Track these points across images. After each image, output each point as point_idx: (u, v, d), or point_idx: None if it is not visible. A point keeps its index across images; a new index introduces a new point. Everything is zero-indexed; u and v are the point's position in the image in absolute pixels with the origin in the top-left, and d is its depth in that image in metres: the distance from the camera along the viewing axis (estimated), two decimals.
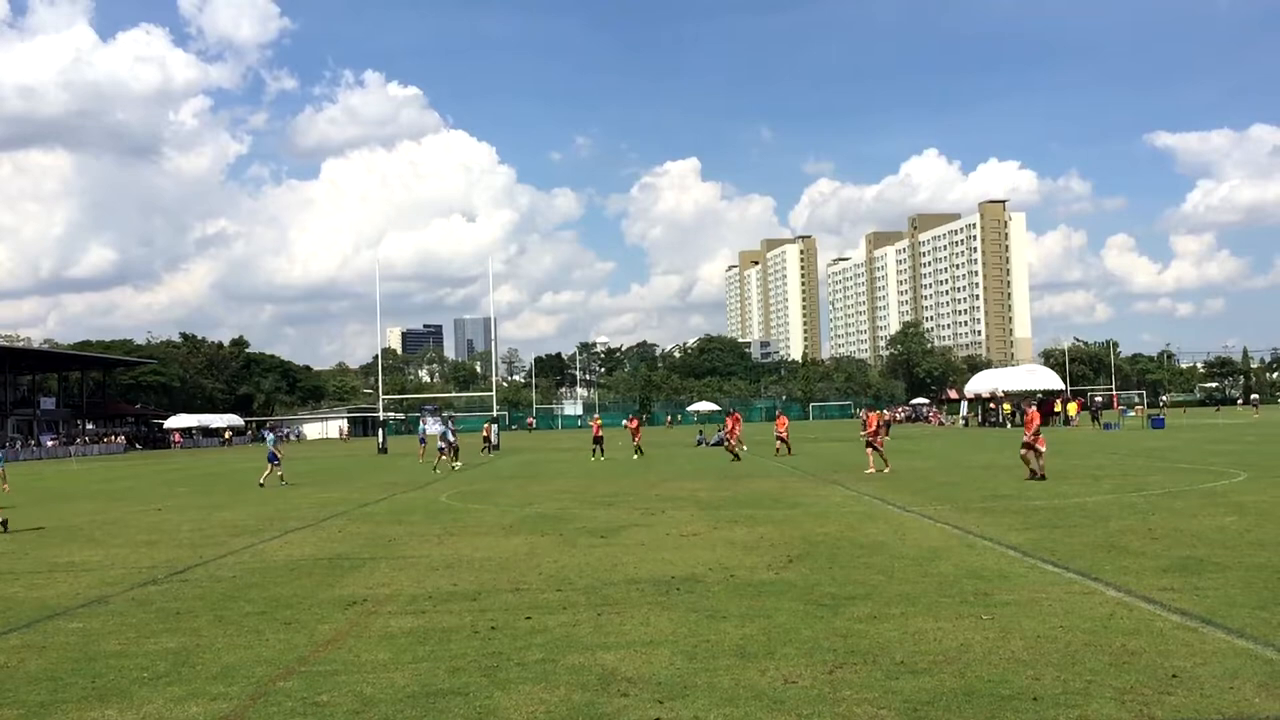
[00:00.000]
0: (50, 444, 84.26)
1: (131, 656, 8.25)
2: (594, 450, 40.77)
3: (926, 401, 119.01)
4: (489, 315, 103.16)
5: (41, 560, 14.69)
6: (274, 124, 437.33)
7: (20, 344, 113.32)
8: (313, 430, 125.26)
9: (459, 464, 36.76)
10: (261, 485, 28.79)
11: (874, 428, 27.54)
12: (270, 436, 33.11)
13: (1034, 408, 24.23)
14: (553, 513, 19.17)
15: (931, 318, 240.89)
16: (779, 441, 38.98)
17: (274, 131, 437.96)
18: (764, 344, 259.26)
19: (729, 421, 39.99)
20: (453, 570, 12.35)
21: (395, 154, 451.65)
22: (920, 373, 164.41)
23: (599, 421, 45.94)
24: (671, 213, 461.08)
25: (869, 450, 27.13)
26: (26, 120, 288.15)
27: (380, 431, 63.76)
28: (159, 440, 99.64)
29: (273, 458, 29.85)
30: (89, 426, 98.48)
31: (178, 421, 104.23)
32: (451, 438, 37.40)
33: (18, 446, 78.78)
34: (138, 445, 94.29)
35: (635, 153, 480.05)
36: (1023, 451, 22.58)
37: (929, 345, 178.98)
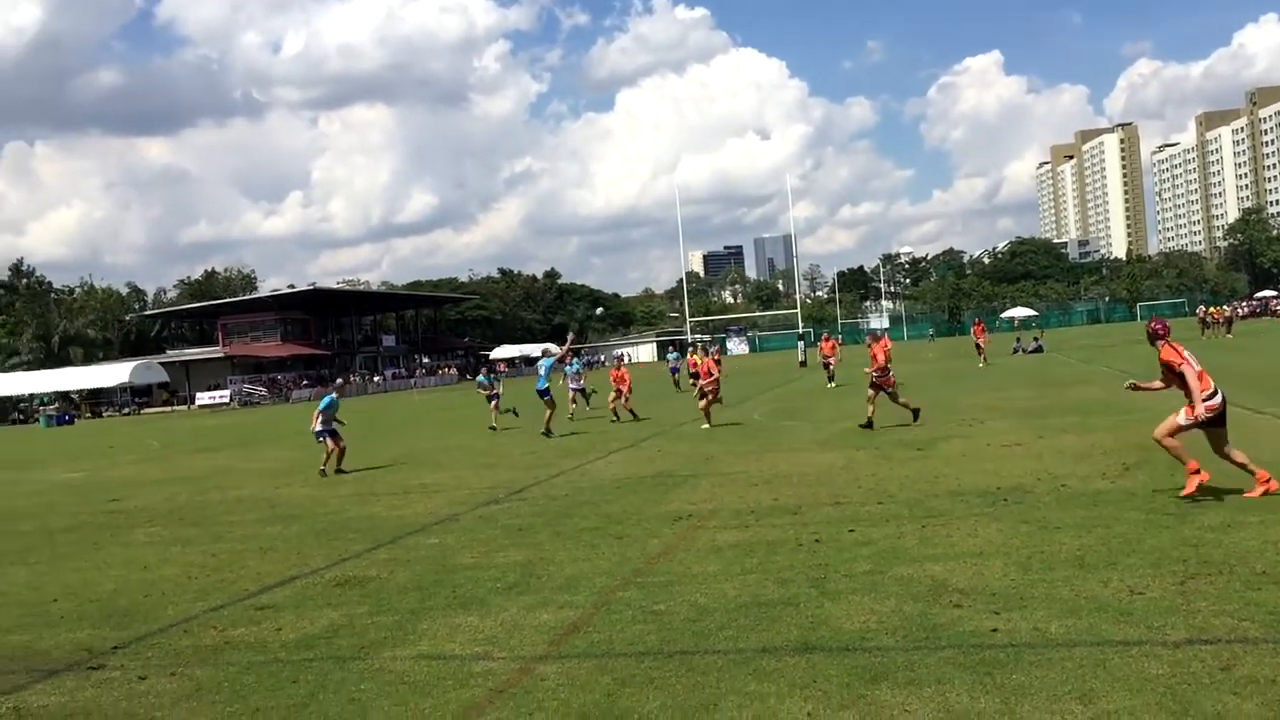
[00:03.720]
0: (392, 378, 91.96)
1: (484, 569, 8.93)
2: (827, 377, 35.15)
3: (1275, 294, 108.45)
4: (788, 232, 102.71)
5: (398, 483, 16.11)
6: (569, 60, 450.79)
7: (361, 287, 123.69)
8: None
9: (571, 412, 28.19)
10: (493, 429, 25.89)
11: (882, 362, 18.84)
12: (486, 378, 28.68)
13: None
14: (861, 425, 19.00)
15: (1276, 202, 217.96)
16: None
17: (569, 67, 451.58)
18: (1082, 243, 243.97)
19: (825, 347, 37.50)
20: (772, 485, 12.52)
21: (686, 78, 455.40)
22: (1265, 263, 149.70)
23: (834, 342, 38.58)
24: (973, 112, 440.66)
25: (871, 393, 18.70)
26: (348, 78, 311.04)
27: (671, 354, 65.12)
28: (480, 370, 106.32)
29: (493, 398, 27.10)
30: (424, 360, 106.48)
31: (502, 352, 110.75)
32: (575, 383, 29.27)
33: (365, 380, 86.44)
34: (468, 376, 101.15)
35: (931, 52, 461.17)
36: None
37: (1275, 232, 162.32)
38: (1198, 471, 9.29)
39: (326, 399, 18.84)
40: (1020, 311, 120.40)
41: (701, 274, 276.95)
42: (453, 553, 9.81)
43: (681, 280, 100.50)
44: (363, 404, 54.61)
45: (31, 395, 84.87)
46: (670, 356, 46.70)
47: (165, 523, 13.69)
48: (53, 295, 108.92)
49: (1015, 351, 49.10)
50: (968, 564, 7.66)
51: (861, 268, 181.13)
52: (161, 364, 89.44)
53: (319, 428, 18.44)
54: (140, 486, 19.13)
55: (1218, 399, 9.32)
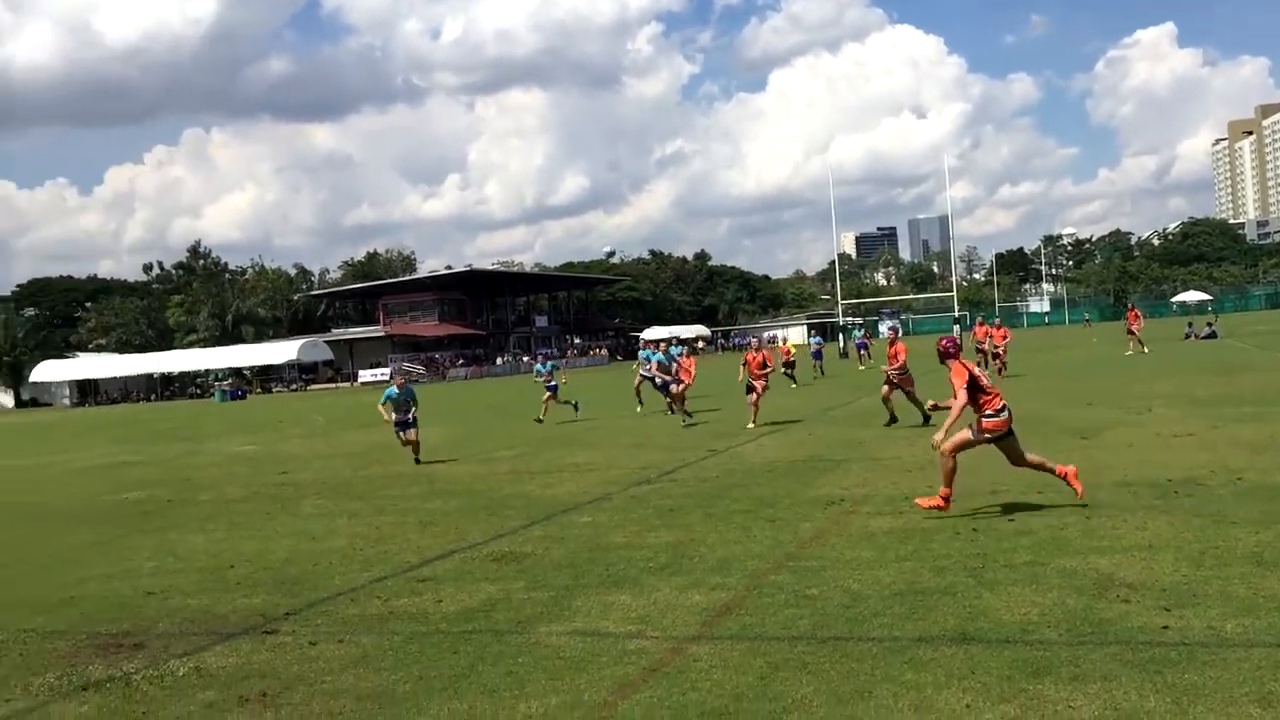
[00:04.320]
0: (544, 358, 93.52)
1: (636, 548, 9.02)
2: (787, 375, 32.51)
3: None
4: (944, 213, 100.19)
5: (551, 461, 16.40)
6: (721, 40, 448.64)
7: (515, 268, 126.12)
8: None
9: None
10: (539, 421, 24.15)
11: (903, 360, 18.56)
12: (545, 366, 26.28)
13: None
14: (1027, 413, 18.44)
15: None
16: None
17: (721, 48, 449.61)
18: (1261, 224, 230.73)
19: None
20: (926, 472, 12.27)
21: (840, 56, 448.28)
22: None
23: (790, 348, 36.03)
24: (1144, 87, 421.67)
25: (885, 389, 18.59)
26: (504, 63, 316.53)
27: (841, 337, 64.48)
28: (634, 352, 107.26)
29: (551, 388, 24.93)
30: (576, 340, 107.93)
31: (651, 334, 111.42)
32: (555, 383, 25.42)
33: (517, 359, 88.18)
34: (618, 356, 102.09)
35: (1099, 26, 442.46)
36: None
37: None
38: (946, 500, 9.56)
39: (386, 392, 17.74)
40: (1193, 295, 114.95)
41: (853, 256, 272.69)
42: (605, 531, 9.94)
43: (834, 262, 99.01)
44: (514, 383, 55.75)
45: (207, 371, 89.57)
46: (813, 341, 45.71)
47: (331, 495, 14.26)
48: (227, 276, 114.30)
49: (1187, 337, 46.87)
50: (1136, 558, 7.37)
51: (1021, 249, 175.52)
52: (327, 342, 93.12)
53: (392, 420, 17.46)
54: (307, 460, 19.97)
55: (1004, 415, 9.54)
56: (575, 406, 25.48)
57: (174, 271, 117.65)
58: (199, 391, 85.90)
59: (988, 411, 9.53)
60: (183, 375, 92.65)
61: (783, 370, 32.63)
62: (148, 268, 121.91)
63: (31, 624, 7.79)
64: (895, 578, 7.29)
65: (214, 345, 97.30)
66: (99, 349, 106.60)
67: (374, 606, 7.62)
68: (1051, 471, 9.67)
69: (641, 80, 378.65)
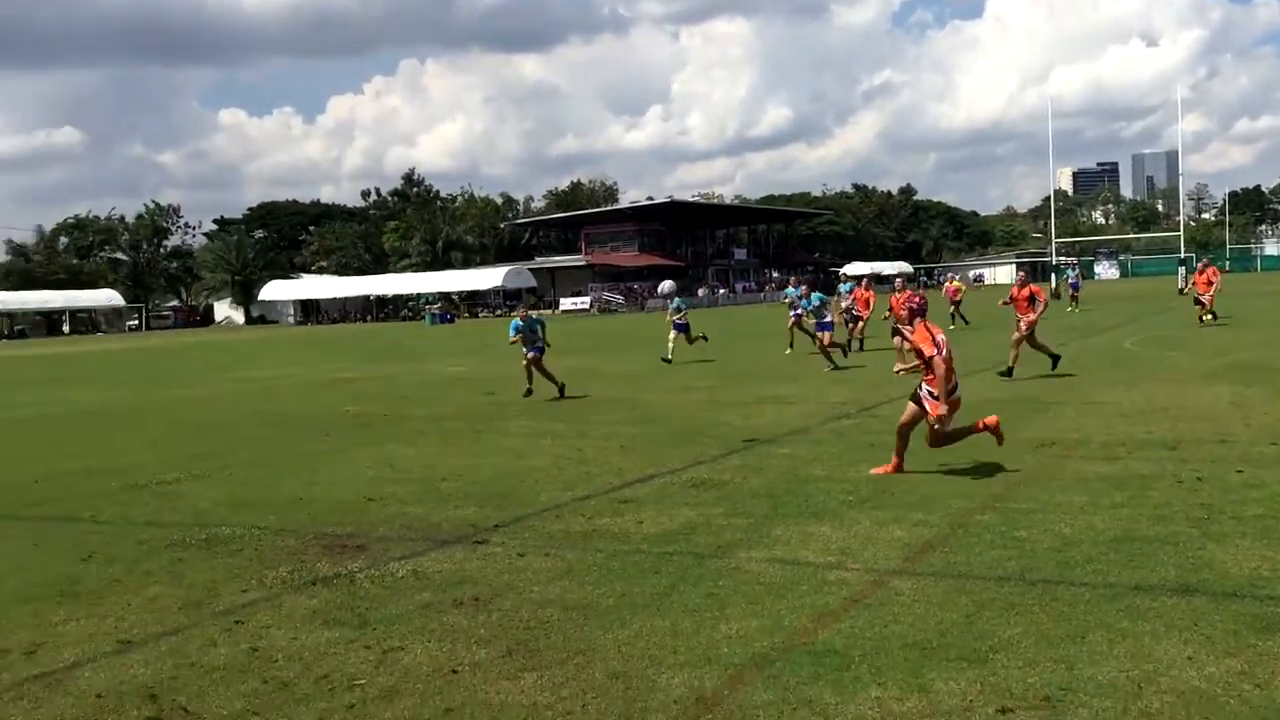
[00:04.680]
0: (743, 291, 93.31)
1: (835, 481, 8.96)
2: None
3: None
4: (1172, 148, 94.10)
5: (749, 393, 16.41)
6: None
7: (715, 201, 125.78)
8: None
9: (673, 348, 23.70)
10: (667, 360, 22.62)
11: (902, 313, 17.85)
12: (677, 303, 24.89)
13: None
14: (1257, 361, 17.31)
15: None
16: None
17: None
18: None
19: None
20: (1145, 417, 11.70)
21: None
22: None
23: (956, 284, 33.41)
24: None
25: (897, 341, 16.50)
26: None
27: (1053, 277, 61.77)
28: (831, 288, 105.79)
29: (680, 327, 23.76)
30: (774, 274, 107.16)
31: (852, 269, 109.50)
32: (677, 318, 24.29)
33: (714, 292, 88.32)
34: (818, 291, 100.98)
35: None
36: None
37: None
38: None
39: (512, 324, 17.39)
40: None
41: (1070, 192, 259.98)
42: (804, 464, 9.90)
43: (1048, 199, 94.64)
44: (712, 316, 55.90)
45: (418, 295, 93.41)
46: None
47: (534, 417, 14.70)
48: (438, 203, 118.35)
49: None
50: None
51: (1258, 188, 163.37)
52: (530, 270, 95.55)
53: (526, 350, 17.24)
54: (512, 382, 20.60)
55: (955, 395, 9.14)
56: (704, 338, 24.77)
57: (390, 198, 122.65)
58: (410, 314, 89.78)
59: (932, 389, 9.01)
60: (395, 298, 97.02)
61: (950, 311, 31.33)
62: (365, 194, 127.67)
63: (265, 522, 8.37)
64: (1110, 524, 6.99)
65: (425, 270, 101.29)
66: (320, 271, 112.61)
67: (577, 524, 7.84)
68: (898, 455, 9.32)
69: (850, 8, 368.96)
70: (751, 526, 7.47)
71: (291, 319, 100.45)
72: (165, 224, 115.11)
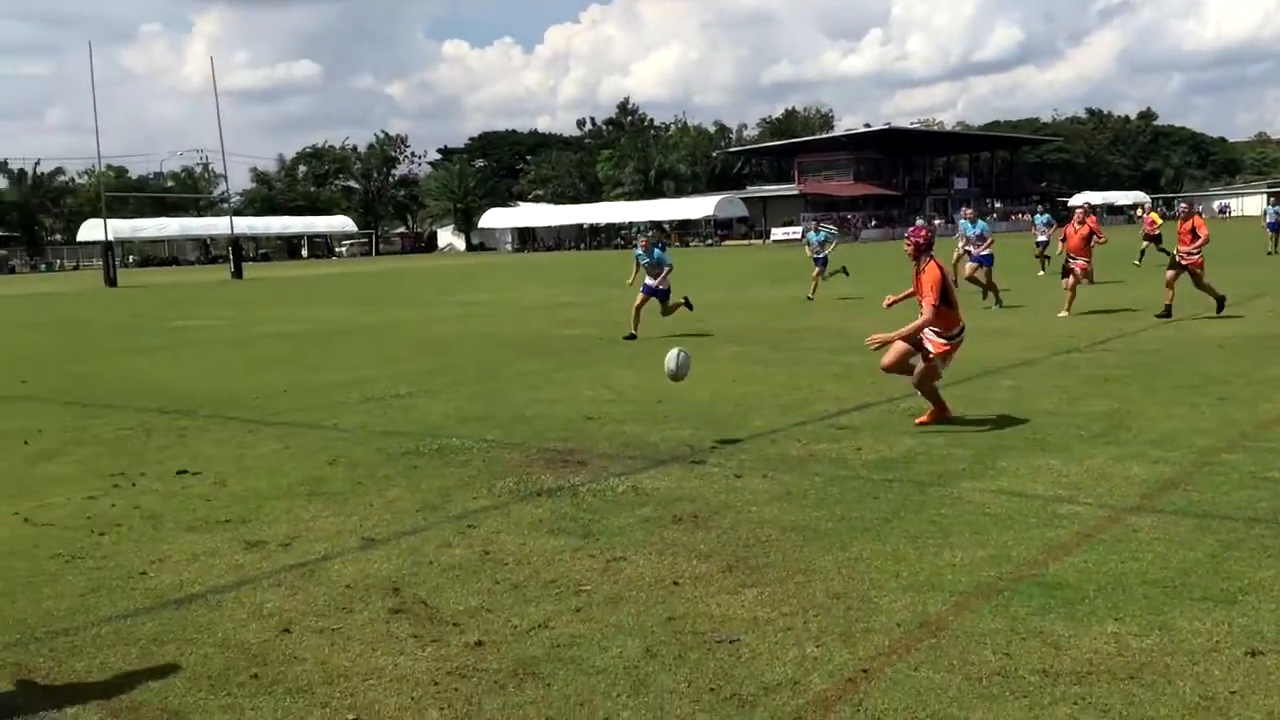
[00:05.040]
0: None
1: (1065, 415, 8.60)
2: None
3: None
4: None
5: (968, 325, 15.85)
6: None
7: (935, 128, 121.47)
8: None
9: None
10: (810, 299, 21.57)
11: (1077, 244, 17.00)
12: (819, 235, 23.17)
13: None
14: None
15: None
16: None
17: None
18: None
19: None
20: None
21: None
22: None
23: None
24: None
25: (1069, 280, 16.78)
26: None
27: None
28: (1063, 218, 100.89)
29: (820, 261, 22.37)
30: (997, 205, 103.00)
31: (1082, 199, 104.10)
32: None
33: (933, 224, 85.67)
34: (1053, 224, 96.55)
35: None
36: None
37: None
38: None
39: (635, 255, 16.89)
40: None
41: None
42: (1030, 397, 9.54)
43: None
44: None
45: (629, 223, 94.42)
46: (1270, 211, 36.25)
47: (746, 344, 14.69)
48: (652, 132, 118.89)
49: None
50: None
51: None
52: (742, 199, 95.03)
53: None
54: (723, 310, 20.67)
55: (960, 337, 8.62)
56: (845, 271, 23.69)
57: (604, 127, 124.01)
58: (622, 243, 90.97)
59: (948, 331, 8.40)
60: (608, 227, 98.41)
61: (1144, 246, 28.93)
62: (580, 123, 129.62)
63: (491, 435, 8.71)
64: None
65: (637, 199, 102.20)
66: (536, 199, 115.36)
67: (794, 448, 7.82)
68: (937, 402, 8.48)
69: None
70: (975, 458, 7.27)
71: (509, 246, 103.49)
72: (393, 153, 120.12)
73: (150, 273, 72.36)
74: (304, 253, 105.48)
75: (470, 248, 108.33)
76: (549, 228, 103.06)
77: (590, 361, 13.49)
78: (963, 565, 5.06)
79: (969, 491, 6.39)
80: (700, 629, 4.42)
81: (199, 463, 8.02)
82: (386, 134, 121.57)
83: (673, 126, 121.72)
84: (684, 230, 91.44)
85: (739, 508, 6.24)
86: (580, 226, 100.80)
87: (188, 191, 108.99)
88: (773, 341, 14.87)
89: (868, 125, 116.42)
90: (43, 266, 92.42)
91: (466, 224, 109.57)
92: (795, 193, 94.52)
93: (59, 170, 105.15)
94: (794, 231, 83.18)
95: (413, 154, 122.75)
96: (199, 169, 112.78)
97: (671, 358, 8.68)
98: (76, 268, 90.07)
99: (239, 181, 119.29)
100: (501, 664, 4.15)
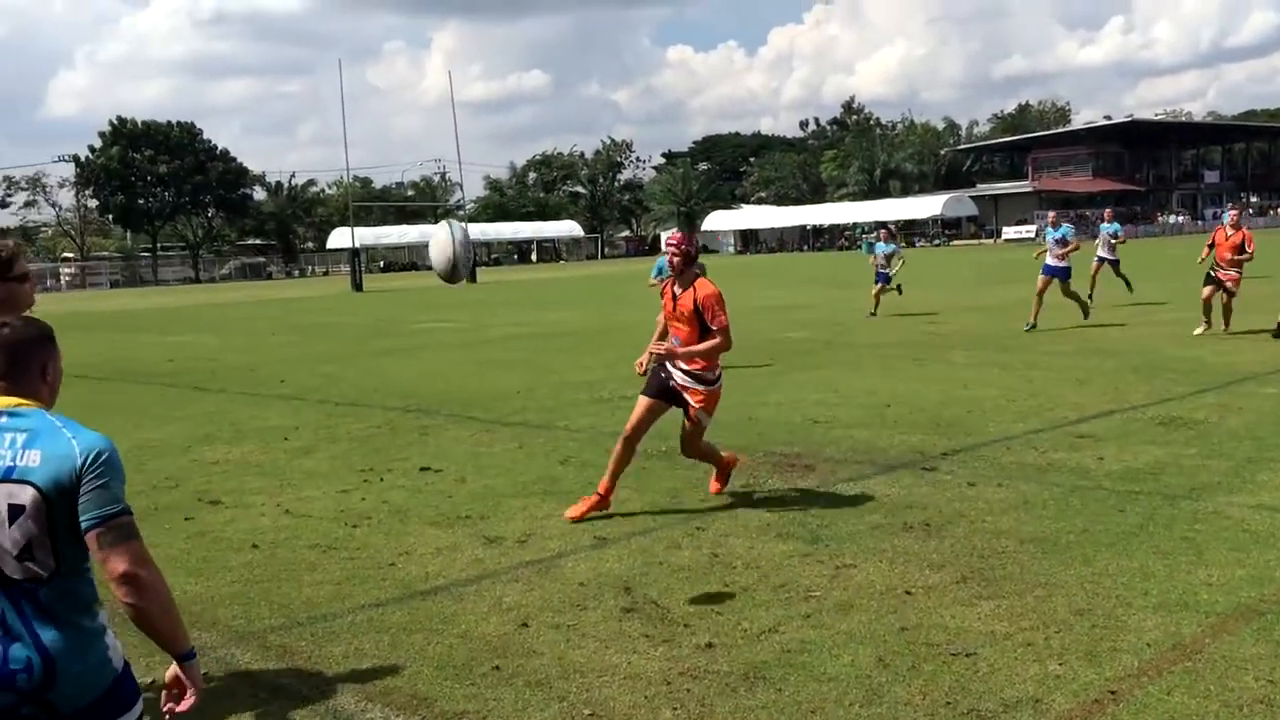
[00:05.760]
0: (1213, 218, 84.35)
1: None
2: None
3: None
4: None
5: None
6: None
7: (1183, 119, 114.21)
8: None
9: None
10: (873, 315, 19.82)
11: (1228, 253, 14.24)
12: (882, 247, 21.20)
13: None
14: None
15: None
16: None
17: None
18: None
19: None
20: None
21: None
22: None
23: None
24: None
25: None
26: None
27: None
28: None
29: (882, 278, 20.44)
30: (1253, 199, 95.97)
31: None
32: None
33: (1174, 220, 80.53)
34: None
35: None
36: None
37: None
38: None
39: (657, 264, 13.88)
40: None
41: None
42: None
43: None
44: (1177, 243, 51.17)
45: (854, 224, 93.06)
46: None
47: (978, 347, 14.25)
48: (877, 131, 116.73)
49: None
50: None
51: None
52: (971, 198, 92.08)
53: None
54: (954, 313, 20.11)
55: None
56: (899, 290, 21.01)
57: (828, 127, 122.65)
58: (846, 244, 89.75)
59: (713, 370, 6.55)
60: (831, 228, 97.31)
61: None
62: (804, 124, 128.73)
63: (717, 439, 8.75)
64: None
65: (862, 199, 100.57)
66: (759, 201, 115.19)
67: (1030, 456, 7.55)
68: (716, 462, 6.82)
69: None
70: (1232, 470, 6.82)
71: (731, 248, 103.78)
72: (619, 158, 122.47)
73: (392, 278, 76.55)
74: (533, 257, 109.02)
75: None
76: (772, 229, 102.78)
77: (816, 364, 13.39)
78: (1219, 585, 4.77)
79: (1225, 506, 6.01)
80: (934, 640, 4.34)
81: (440, 460, 8.43)
82: (612, 140, 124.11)
83: (900, 125, 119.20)
84: (909, 230, 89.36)
85: (973, 517, 6.07)
86: (803, 228, 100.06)
87: (426, 200, 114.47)
88: (1007, 344, 14.39)
89: (1108, 118, 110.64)
90: (296, 273, 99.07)
91: (690, 227, 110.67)
92: (1029, 190, 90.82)
93: (311, 182, 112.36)
94: (1028, 230, 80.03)
95: (637, 159, 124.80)
96: (436, 178, 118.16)
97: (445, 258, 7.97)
98: (326, 273, 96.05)
99: (473, 189, 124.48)
100: (732, 667, 4.19)
